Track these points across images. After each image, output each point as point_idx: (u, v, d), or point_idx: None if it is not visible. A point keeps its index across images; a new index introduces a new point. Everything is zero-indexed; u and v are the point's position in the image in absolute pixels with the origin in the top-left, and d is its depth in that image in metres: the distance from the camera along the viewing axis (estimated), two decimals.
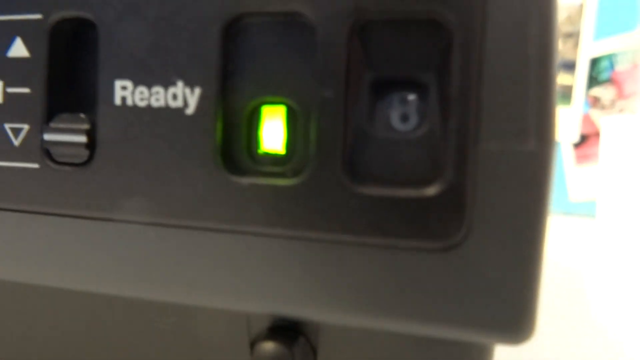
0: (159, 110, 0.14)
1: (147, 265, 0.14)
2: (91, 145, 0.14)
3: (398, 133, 0.13)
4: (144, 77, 0.14)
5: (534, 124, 0.13)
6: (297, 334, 0.15)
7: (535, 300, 0.13)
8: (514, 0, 0.13)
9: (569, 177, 0.99)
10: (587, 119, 0.99)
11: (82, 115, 0.14)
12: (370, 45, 0.13)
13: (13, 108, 0.15)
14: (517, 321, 0.13)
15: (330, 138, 0.13)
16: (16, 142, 0.15)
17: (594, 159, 0.96)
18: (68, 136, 0.14)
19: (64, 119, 0.14)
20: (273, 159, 0.14)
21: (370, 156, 0.13)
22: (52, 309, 0.17)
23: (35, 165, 0.15)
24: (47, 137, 0.14)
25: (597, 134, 0.95)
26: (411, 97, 0.13)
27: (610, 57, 0.98)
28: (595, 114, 0.99)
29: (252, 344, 0.15)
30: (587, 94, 0.99)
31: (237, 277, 0.14)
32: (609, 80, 0.98)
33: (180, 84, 0.14)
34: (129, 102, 0.14)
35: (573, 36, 1.00)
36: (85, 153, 0.14)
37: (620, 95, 0.97)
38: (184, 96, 0.14)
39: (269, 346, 0.14)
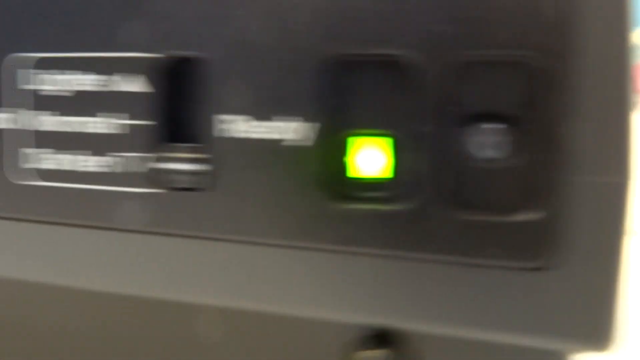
0: (268, 142, 0.16)
1: (258, 281, 0.16)
2: (204, 172, 0.16)
3: (492, 163, 0.15)
4: (255, 111, 0.16)
5: (617, 158, 0.14)
6: (390, 343, 0.17)
7: (617, 314, 0.15)
8: (599, 47, 0.14)
9: None
10: None
11: (198, 145, 0.16)
12: (466, 83, 0.15)
13: (138, 139, 0.16)
14: (599, 331, 0.15)
15: (434, 168, 0.15)
16: (142, 170, 0.16)
17: None
18: (184, 165, 0.16)
19: (183, 149, 0.16)
20: (377, 185, 0.16)
21: (468, 184, 0.15)
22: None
23: (160, 190, 0.16)
24: (169, 166, 0.16)
25: None
26: (505, 130, 0.15)
27: None
28: None
29: (348, 353, 0.17)
30: None
31: (343, 292, 0.15)
32: None
33: (285, 116, 0.15)
34: (242, 134, 0.16)
35: None
36: (201, 180, 0.16)
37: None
38: (288, 128, 0.15)
39: (367, 354, 0.16)
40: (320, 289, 0.16)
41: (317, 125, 0.15)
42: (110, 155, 0.16)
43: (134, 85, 0.16)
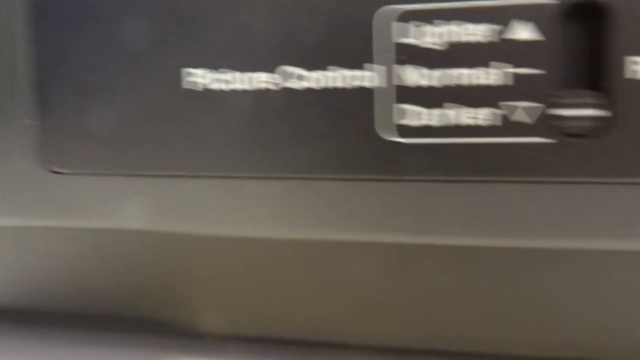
0: None
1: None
2: (602, 118, 0.16)
3: None
4: None
5: None
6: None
7: None
8: None
9: None
10: None
11: (591, 91, 0.16)
12: None
13: (524, 88, 0.16)
14: None
15: None
16: (530, 120, 0.16)
17: None
18: (580, 111, 0.16)
19: (576, 95, 0.16)
20: None
21: None
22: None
23: (551, 140, 0.16)
24: (561, 112, 0.16)
25: None
26: None
27: None
28: None
29: None
30: None
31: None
32: None
33: None
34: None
35: None
36: (597, 125, 0.16)
37: None
38: None
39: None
40: None
41: None
42: (495, 107, 0.16)
43: (525, 33, 0.16)
